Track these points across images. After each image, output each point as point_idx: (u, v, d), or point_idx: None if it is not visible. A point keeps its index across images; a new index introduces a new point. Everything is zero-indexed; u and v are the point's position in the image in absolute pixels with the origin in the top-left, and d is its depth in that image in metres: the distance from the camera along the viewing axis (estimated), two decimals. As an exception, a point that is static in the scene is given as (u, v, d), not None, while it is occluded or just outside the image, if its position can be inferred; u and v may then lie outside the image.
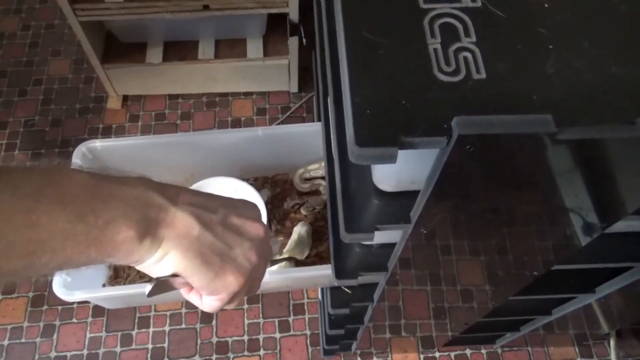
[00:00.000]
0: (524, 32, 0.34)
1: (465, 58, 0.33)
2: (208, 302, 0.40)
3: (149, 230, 0.34)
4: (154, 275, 0.37)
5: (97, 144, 0.82)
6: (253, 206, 0.44)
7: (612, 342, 1.10)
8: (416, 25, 0.35)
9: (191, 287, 0.39)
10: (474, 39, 0.34)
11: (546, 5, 0.35)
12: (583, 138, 0.30)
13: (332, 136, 0.56)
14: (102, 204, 0.32)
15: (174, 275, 0.36)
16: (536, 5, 0.35)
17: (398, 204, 0.46)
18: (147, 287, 0.36)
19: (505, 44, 0.34)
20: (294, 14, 1.24)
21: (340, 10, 0.36)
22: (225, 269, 0.37)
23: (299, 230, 0.90)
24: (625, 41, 0.33)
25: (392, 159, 0.30)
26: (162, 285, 0.37)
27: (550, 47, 0.33)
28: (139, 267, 0.36)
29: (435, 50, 0.34)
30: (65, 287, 0.71)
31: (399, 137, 0.30)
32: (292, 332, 1.24)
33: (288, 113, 1.52)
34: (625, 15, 0.34)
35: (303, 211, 0.97)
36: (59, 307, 1.25)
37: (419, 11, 0.35)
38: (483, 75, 0.33)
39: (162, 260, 0.35)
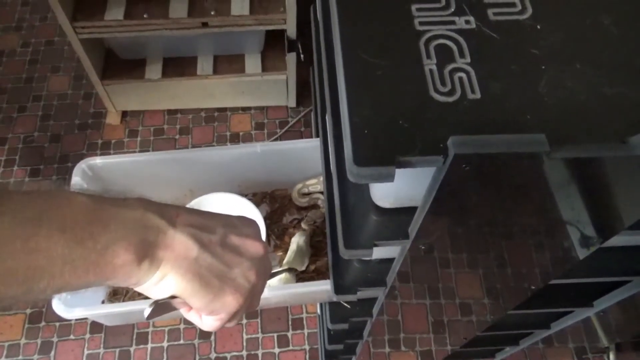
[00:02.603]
0: (518, 53, 0.35)
1: (460, 78, 0.34)
2: (208, 322, 0.40)
3: (148, 252, 0.34)
4: (152, 296, 0.37)
5: (98, 161, 0.82)
6: (252, 223, 0.44)
7: (611, 356, 1.09)
8: (412, 46, 0.36)
9: (191, 307, 0.40)
10: (468, 59, 0.35)
11: (539, 27, 0.36)
12: (576, 157, 0.31)
13: (330, 153, 0.57)
14: (101, 227, 0.32)
15: (173, 297, 0.37)
16: (529, 27, 0.36)
17: (396, 220, 0.47)
18: (147, 310, 0.37)
19: (499, 65, 0.35)
20: (291, 31, 1.26)
21: (338, 32, 0.37)
22: (224, 289, 0.38)
23: (297, 240, 0.89)
24: (616, 62, 0.34)
25: (390, 178, 0.31)
26: (161, 307, 0.37)
27: (543, 67, 0.34)
28: (137, 289, 0.36)
29: (431, 71, 0.35)
30: (65, 304, 0.71)
31: (396, 157, 0.31)
32: (291, 347, 1.23)
33: (286, 127, 1.53)
34: (615, 37, 0.35)
35: (304, 225, 0.97)
36: (57, 324, 1.25)
37: (414, 33, 0.36)
38: (478, 96, 0.33)
39: (160, 282, 0.35)
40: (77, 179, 0.79)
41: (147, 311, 0.37)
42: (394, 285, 0.57)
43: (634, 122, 0.31)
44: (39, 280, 0.29)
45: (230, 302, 0.38)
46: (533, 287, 0.57)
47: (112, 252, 0.32)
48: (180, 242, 0.36)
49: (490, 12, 0.37)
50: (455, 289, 0.62)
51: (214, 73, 1.41)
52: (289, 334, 1.25)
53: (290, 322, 1.26)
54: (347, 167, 0.31)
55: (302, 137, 1.52)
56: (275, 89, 1.47)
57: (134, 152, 1.49)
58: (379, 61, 0.35)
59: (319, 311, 1.07)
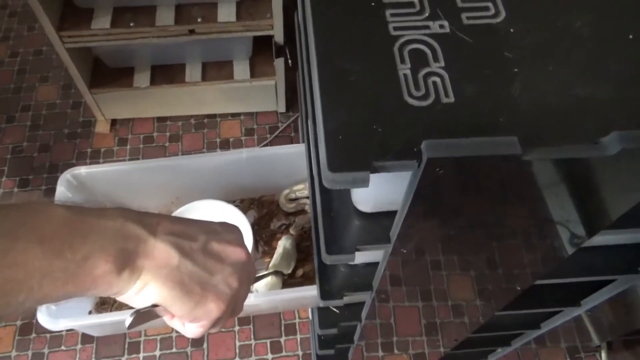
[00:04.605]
0: (491, 56, 0.35)
1: (434, 83, 0.34)
2: (191, 329, 0.40)
3: (128, 262, 0.34)
4: (135, 305, 0.37)
5: (82, 170, 0.82)
6: (234, 229, 0.44)
7: (603, 355, 1.10)
8: (386, 51, 0.36)
9: (173, 314, 0.39)
10: (442, 64, 0.35)
11: (512, 30, 0.36)
12: (548, 158, 0.31)
13: (312, 158, 0.57)
14: (79, 238, 0.32)
15: (155, 305, 0.36)
16: (502, 30, 0.36)
17: (378, 225, 0.47)
18: (128, 320, 0.36)
19: (472, 69, 0.35)
20: (279, 36, 1.26)
21: (312, 37, 0.37)
22: (206, 296, 0.37)
23: (283, 243, 0.89)
24: (588, 64, 0.34)
25: (364, 184, 0.31)
26: (143, 316, 0.37)
27: (516, 70, 0.34)
28: (119, 299, 0.36)
29: (405, 75, 0.35)
30: (50, 315, 0.70)
31: (371, 162, 0.31)
32: (284, 353, 1.23)
33: (276, 133, 1.53)
34: (587, 39, 0.36)
35: (292, 231, 0.97)
36: (48, 335, 1.24)
37: (389, 38, 0.36)
38: (451, 99, 0.33)
39: (142, 291, 0.35)
40: (62, 189, 0.79)
41: (129, 320, 0.37)
42: (381, 289, 0.57)
43: (605, 123, 0.31)
44: (17, 293, 0.29)
45: (213, 308, 0.38)
46: (518, 288, 0.57)
47: (91, 263, 0.32)
48: (160, 251, 0.36)
49: (464, 16, 0.37)
50: (446, 291, 0.62)
51: (202, 80, 1.41)
52: (282, 339, 1.24)
53: (283, 328, 1.26)
54: (322, 173, 0.31)
55: (292, 142, 1.52)
56: (264, 94, 1.47)
57: (124, 160, 1.49)
58: (353, 66, 0.35)
59: (310, 316, 1.07)
